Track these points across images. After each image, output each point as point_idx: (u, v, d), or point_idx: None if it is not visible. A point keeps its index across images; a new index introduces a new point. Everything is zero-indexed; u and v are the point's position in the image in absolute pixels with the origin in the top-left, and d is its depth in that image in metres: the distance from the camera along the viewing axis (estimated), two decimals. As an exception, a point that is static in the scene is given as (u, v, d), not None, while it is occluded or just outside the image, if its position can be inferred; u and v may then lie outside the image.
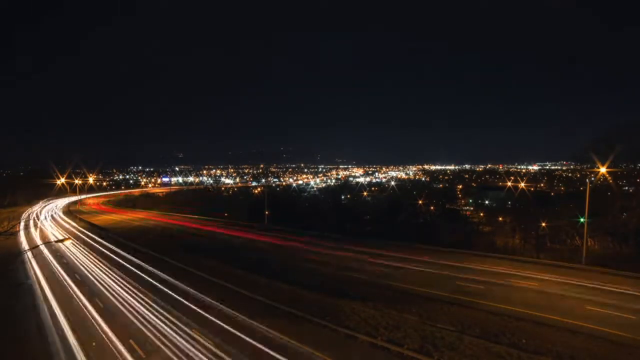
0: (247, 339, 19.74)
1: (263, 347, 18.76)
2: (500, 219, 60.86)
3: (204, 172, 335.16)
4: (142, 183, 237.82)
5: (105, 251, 43.98)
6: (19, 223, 68.55)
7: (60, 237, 53.00)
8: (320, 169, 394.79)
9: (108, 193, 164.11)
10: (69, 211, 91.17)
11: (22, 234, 58.08)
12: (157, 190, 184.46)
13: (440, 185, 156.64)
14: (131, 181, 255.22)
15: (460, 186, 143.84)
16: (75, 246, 47.18)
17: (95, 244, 48.43)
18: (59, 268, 36.35)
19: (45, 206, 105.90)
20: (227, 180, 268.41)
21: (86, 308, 25.25)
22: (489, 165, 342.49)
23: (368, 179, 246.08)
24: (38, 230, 61.86)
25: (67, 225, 67.49)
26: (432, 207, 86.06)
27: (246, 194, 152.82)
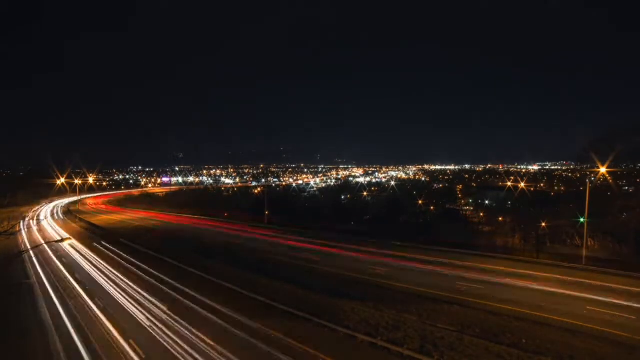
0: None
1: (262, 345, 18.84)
2: (500, 219, 60.80)
3: (204, 172, 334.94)
4: (142, 183, 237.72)
5: (105, 251, 43.98)
6: (19, 223, 68.59)
7: (61, 237, 53.02)
8: (320, 169, 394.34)
9: (108, 193, 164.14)
10: (69, 211, 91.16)
11: (22, 233, 58.11)
12: (157, 190, 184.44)
13: (440, 185, 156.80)
14: (131, 181, 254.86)
15: (460, 186, 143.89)
16: (75, 246, 47.19)
17: (95, 244, 48.43)
18: (59, 268, 36.36)
19: (45, 206, 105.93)
20: (227, 180, 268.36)
21: (87, 307, 25.26)
22: (489, 165, 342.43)
23: (368, 179, 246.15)
24: (38, 230, 61.88)
25: (67, 225, 67.52)
26: (432, 207, 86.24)
27: (246, 194, 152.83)
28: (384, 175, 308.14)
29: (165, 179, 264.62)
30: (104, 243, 48.76)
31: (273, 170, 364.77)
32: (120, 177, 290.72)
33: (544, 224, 47.46)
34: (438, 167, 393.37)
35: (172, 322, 22.30)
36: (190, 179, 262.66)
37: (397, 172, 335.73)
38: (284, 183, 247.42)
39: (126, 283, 30.63)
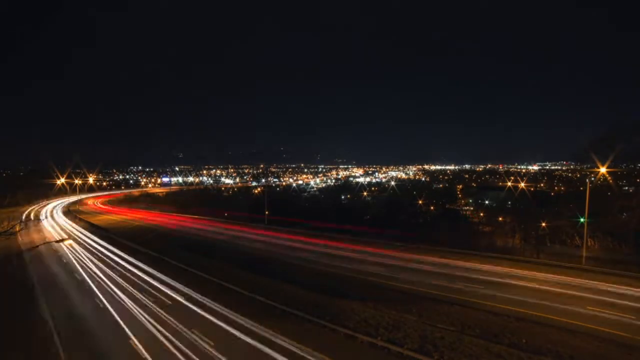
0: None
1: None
2: (500, 219, 60.79)
3: (204, 172, 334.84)
4: (142, 183, 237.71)
5: (105, 251, 43.96)
6: (19, 223, 68.52)
7: (60, 237, 52.98)
8: (320, 169, 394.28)
9: (108, 193, 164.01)
10: (69, 211, 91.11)
11: (22, 234, 58.07)
12: (157, 190, 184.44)
13: (440, 185, 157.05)
14: (131, 181, 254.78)
15: (460, 186, 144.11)
16: (75, 246, 47.15)
17: (94, 244, 48.41)
18: (59, 268, 36.34)
19: (45, 206, 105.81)
20: (227, 180, 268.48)
21: (87, 308, 25.24)
22: (489, 165, 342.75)
23: (368, 179, 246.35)
24: (38, 230, 61.84)
25: (67, 225, 67.46)
26: (432, 207, 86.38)
27: (246, 194, 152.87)
28: (384, 175, 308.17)
29: (165, 179, 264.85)
30: (103, 243, 48.73)
31: (273, 170, 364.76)
32: (120, 177, 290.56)
33: (543, 224, 47.46)
34: (438, 167, 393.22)
35: (171, 322, 22.31)
36: (190, 179, 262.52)
37: (397, 172, 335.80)
38: (284, 183, 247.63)
39: (124, 284, 30.63)
